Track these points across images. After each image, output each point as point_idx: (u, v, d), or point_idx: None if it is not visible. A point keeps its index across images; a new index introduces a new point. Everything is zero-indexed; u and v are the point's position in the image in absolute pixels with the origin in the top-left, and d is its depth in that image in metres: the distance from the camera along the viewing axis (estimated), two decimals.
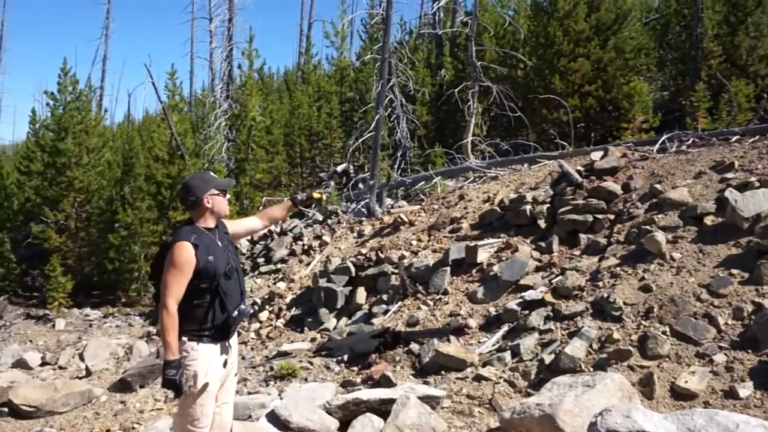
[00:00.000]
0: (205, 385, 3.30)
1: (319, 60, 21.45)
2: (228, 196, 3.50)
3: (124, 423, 5.90)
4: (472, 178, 10.88)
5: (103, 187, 12.93)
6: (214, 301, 3.32)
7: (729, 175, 6.52)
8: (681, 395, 4.54)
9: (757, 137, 7.68)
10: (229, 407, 3.62)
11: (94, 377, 7.64)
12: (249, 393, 6.05)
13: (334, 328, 7.82)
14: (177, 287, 3.21)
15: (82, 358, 8.33)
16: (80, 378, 7.63)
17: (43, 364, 8.40)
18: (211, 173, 3.56)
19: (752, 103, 10.12)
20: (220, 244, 3.41)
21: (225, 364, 3.43)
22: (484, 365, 5.67)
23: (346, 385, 5.95)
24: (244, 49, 15.63)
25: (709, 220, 6.00)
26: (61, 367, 8.22)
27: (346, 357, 6.63)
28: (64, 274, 11.61)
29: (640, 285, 5.67)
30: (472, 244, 7.52)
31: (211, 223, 3.43)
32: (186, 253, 3.21)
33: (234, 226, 3.72)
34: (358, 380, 6.01)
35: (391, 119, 12.82)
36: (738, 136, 7.99)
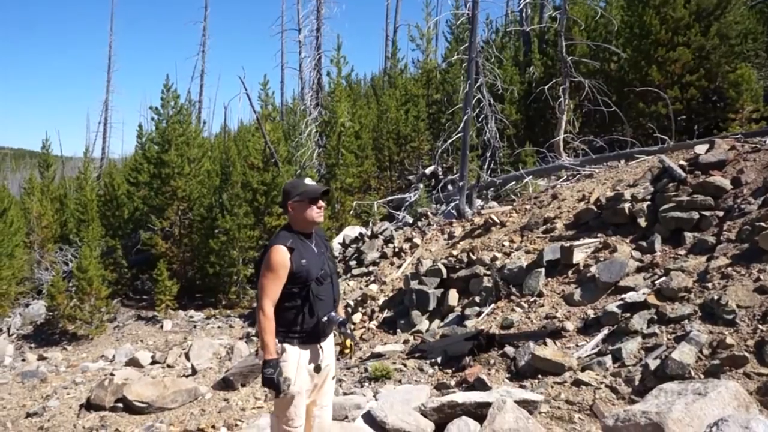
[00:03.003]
0: (295, 385, 3.34)
1: (405, 63, 21.58)
2: (320, 203, 3.41)
3: (227, 420, 6.16)
4: (565, 177, 10.56)
5: (204, 195, 13.59)
6: (304, 306, 3.34)
7: None
8: None
9: None
10: (328, 410, 3.65)
11: (199, 376, 8.03)
12: (344, 394, 6.14)
13: (427, 330, 7.82)
14: (272, 290, 3.27)
15: (187, 357, 8.78)
16: (187, 376, 8.05)
17: (153, 362, 8.93)
18: (308, 179, 3.52)
19: None
20: (315, 249, 3.43)
21: (317, 369, 3.42)
22: (583, 370, 5.47)
23: (440, 387, 5.92)
24: (333, 56, 15.99)
25: None
26: (169, 366, 8.70)
27: (439, 359, 6.60)
28: (170, 278, 12.30)
29: (756, 286, 5.27)
30: (568, 244, 7.28)
31: (305, 228, 3.44)
32: (281, 256, 3.25)
33: None
34: (452, 383, 5.96)
35: (480, 119, 12.69)
36: None
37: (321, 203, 3.42)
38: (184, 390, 6.99)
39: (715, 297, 5.32)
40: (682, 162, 7.64)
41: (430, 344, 7.09)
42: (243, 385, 7.21)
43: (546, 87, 12.57)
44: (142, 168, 14.39)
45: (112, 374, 7.85)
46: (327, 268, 3.44)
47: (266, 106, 14.31)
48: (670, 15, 11.68)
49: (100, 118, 27.54)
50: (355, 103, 17.07)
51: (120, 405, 6.89)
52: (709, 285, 5.61)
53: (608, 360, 5.44)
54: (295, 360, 3.35)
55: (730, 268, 5.66)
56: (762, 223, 5.82)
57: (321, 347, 3.45)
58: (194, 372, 8.18)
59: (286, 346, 3.35)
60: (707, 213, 6.59)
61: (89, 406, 7.03)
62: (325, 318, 3.39)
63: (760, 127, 9.65)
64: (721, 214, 6.52)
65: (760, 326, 4.90)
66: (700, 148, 7.73)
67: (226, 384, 7.29)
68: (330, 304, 3.44)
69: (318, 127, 15.61)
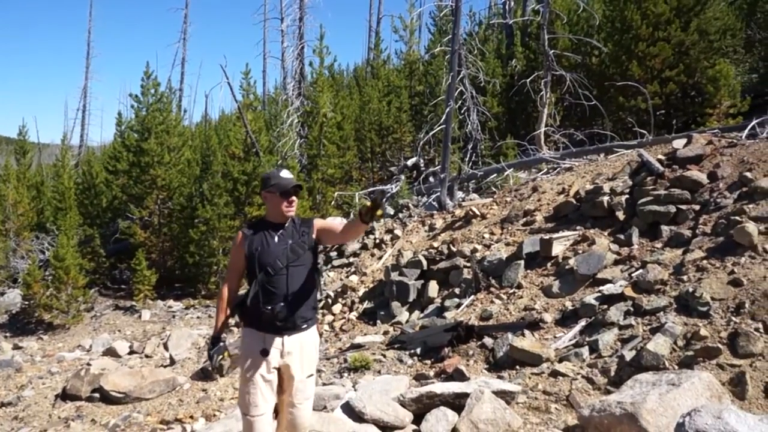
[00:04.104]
0: (245, 371, 3.38)
1: (388, 55, 21.58)
2: (292, 198, 3.41)
3: (205, 410, 6.13)
4: (546, 170, 10.63)
5: (184, 185, 13.46)
6: (253, 293, 3.38)
7: None
8: None
9: None
10: (300, 409, 3.51)
11: (177, 366, 7.97)
12: (323, 384, 6.15)
13: (407, 321, 7.84)
14: (229, 271, 3.58)
15: (166, 347, 8.71)
16: (165, 366, 7.98)
17: (131, 352, 8.84)
18: (284, 172, 3.48)
19: None
20: (276, 240, 3.41)
21: (268, 356, 3.36)
22: (560, 361, 5.53)
23: (419, 378, 5.95)
24: (315, 46, 15.85)
25: None
26: (147, 356, 8.63)
27: (418, 350, 6.62)
28: (149, 267, 12.18)
29: (730, 279, 5.36)
30: (547, 237, 7.34)
31: (277, 219, 3.46)
32: (237, 241, 3.50)
33: (327, 227, 3.57)
34: (431, 374, 5.99)
35: (462, 112, 12.71)
36: None
37: (293, 198, 3.43)
38: (162, 380, 6.94)
39: (690, 289, 5.41)
40: (660, 156, 7.72)
41: (409, 335, 7.11)
42: (222, 375, 7.17)
43: (528, 80, 12.65)
44: (121, 156, 14.21)
45: (88, 364, 7.76)
46: (285, 261, 3.37)
47: (248, 96, 14.18)
48: (651, 10, 11.79)
49: (78, 105, 27.19)
50: (338, 94, 16.97)
51: (96, 395, 6.82)
52: (685, 278, 5.69)
53: (585, 351, 5.50)
54: (246, 343, 3.44)
55: (705, 261, 5.75)
56: (737, 217, 5.91)
57: (282, 342, 3.39)
58: (172, 362, 8.13)
59: (244, 329, 3.47)
60: (684, 207, 6.67)
61: (65, 396, 6.94)
62: (269, 308, 3.33)
63: (737, 122, 9.79)
64: (697, 207, 6.61)
65: (733, 318, 4.99)
66: (678, 143, 7.82)
67: (204, 374, 7.25)
68: (281, 296, 3.35)
69: (300, 117, 15.51)
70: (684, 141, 7.80)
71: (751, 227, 5.62)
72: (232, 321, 4.08)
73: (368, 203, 3.19)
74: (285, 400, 3.51)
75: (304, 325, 3.47)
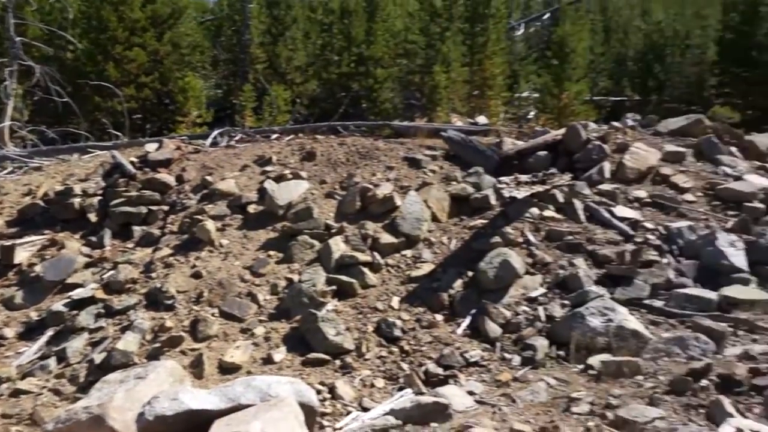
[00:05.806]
0: None
1: None
2: None
3: None
4: (11, 169, 9.53)
5: None
6: None
7: (268, 168, 7.35)
8: (228, 369, 4.96)
9: (291, 136, 8.83)
10: None
11: None
12: None
13: None
14: None
15: None
16: None
17: None
18: None
19: (289, 106, 11.55)
20: None
21: None
22: (23, 378, 5.11)
23: None
24: None
25: (252, 209, 6.67)
26: None
27: None
28: None
29: (192, 272, 5.94)
30: (9, 243, 6.67)
31: None
32: None
33: None
34: None
35: None
36: (277, 135, 9.03)
37: None
38: None
39: (159, 285, 5.77)
40: (133, 159, 7.92)
41: None
42: None
43: None
44: None
45: None
46: None
47: None
48: (127, 15, 11.99)
49: None
50: None
51: None
52: (154, 275, 6.02)
53: (52, 362, 5.26)
54: None
55: (172, 258, 6.20)
56: (199, 216, 6.58)
57: None
58: None
59: None
60: (155, 207, 7.04)
61: None
62: None
63: (203, 131, 10.80)
64: (166, 208, 7.06)
65: (194, 307, 5.56)
66: (151, 147, 8.19)
67: None
68: None
69: None
70: (156, 145, 8.22)
71: (210, 225, 6.36)
72: None
73: None
74: None
75: None
